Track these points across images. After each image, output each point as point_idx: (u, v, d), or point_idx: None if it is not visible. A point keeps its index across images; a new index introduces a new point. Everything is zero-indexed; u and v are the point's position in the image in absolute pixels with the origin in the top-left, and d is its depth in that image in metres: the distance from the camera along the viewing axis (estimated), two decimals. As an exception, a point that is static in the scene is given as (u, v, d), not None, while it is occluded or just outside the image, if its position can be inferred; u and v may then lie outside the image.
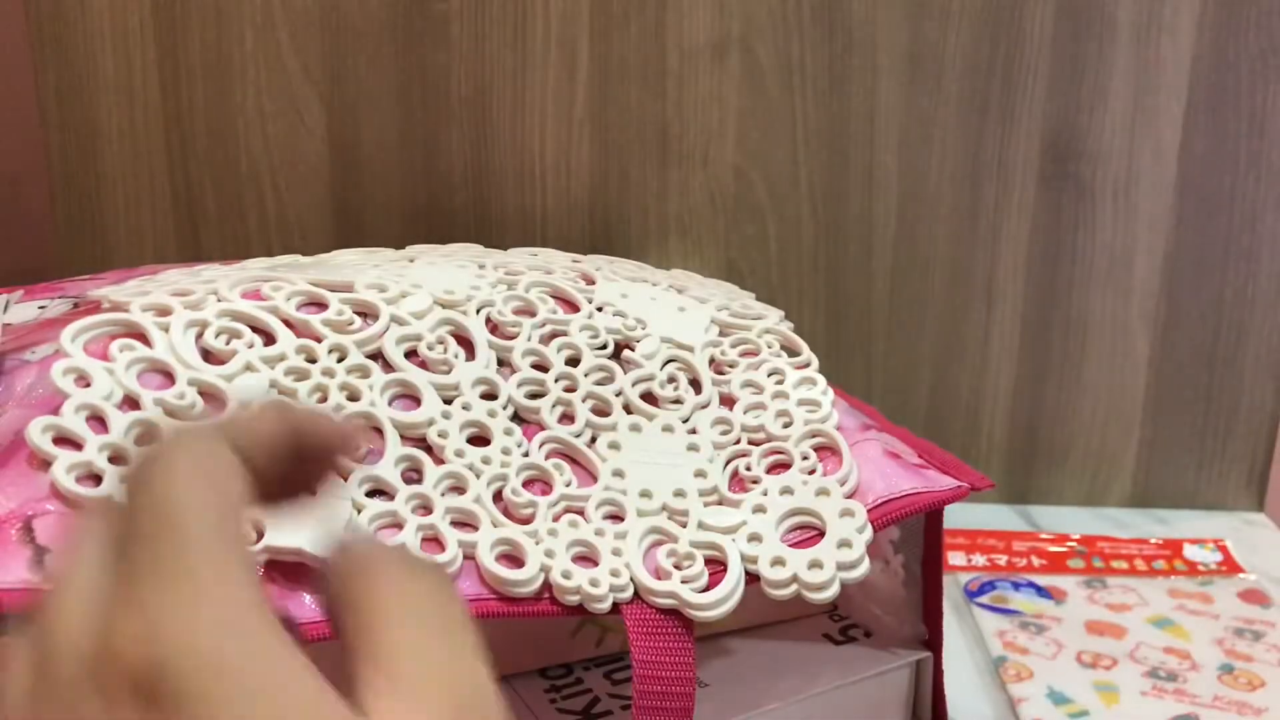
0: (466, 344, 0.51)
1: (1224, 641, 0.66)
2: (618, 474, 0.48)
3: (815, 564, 0.46)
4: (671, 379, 0.53)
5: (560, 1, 0.74)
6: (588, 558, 0.45)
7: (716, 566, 0.46)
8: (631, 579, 0.45)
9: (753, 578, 0.46)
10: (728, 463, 0.50)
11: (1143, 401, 0.81)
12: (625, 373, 0.52)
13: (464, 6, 0.74)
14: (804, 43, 0.74)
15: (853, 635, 0.56)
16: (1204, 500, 0.83)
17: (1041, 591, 0.71)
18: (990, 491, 0.82)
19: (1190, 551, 0.77)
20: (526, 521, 0.45)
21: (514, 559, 0.44)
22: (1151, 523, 0.81)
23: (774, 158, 0.76)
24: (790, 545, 0.47)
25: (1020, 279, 0.79)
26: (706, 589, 0.45)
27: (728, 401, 0.53)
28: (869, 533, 0.47)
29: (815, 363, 0.55)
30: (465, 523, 0.45)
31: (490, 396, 0.49)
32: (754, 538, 0.46)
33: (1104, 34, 0.74)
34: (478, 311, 0.52)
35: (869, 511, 0.48)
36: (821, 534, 0.47)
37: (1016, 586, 0.72)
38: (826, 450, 0.51)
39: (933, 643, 0.55)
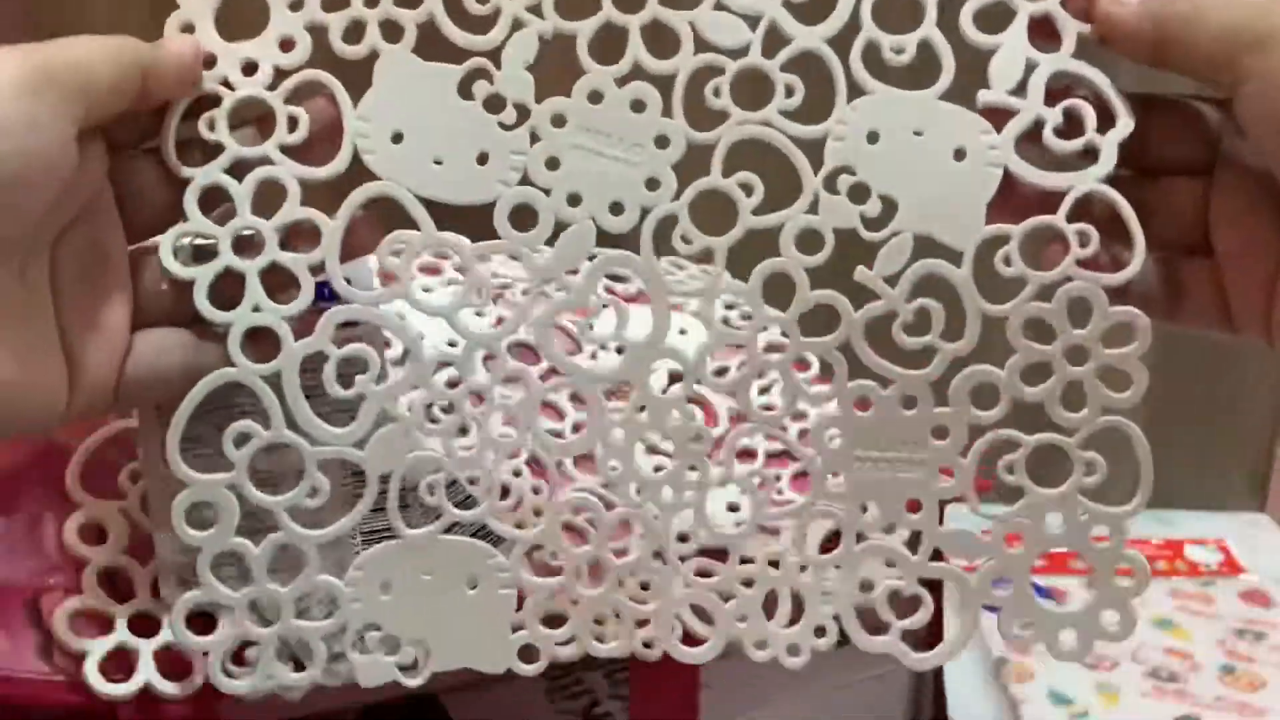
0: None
1: (1225, 642, 0.66)
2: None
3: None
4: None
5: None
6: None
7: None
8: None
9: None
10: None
11: (1143, 401, 0.81)
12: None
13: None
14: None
15: (853, 636, 0.56)
16: (1205, 501, 0.83)
17: (1043, 592, 0.71)
18: (990, 493, 0.81)
19: (1191, 552, 0.76)
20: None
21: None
22: (1152, 523, 0.81)
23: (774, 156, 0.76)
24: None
25: (1021, 279, 0.78)
26: None
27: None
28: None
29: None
30: None
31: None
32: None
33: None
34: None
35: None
36: None
37: (1017, 587, 0.72)
38: None
39: (933, 643, 0.55)
